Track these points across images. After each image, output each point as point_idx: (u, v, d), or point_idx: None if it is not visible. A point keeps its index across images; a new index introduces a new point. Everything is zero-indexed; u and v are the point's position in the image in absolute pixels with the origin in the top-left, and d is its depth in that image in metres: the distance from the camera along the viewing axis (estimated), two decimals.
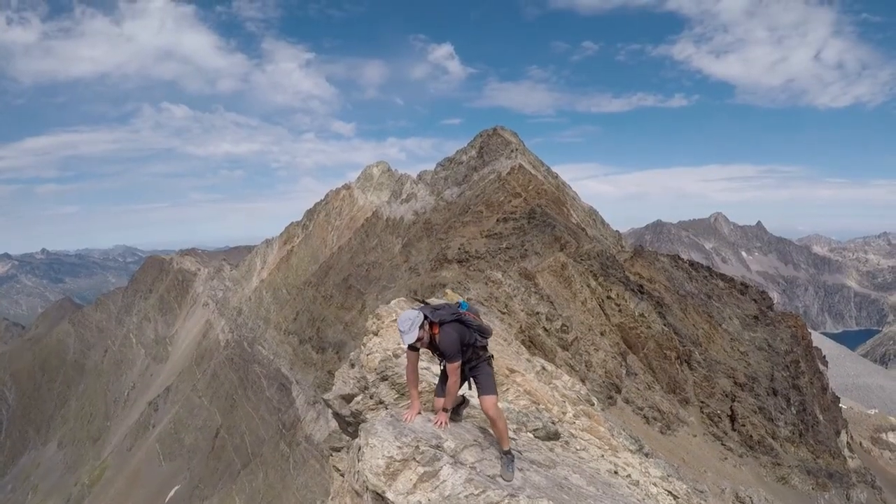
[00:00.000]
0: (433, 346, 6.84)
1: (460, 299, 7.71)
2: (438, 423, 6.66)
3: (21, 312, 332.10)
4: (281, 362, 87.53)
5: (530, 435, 8.25)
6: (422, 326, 6.56)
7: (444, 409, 6.78)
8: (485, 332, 7.01)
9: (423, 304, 7.09)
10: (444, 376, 6.98)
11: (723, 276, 63.27)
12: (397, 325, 6.71)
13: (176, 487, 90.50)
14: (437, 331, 6.67)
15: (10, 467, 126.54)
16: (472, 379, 7.02)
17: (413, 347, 6.83)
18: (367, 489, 6.03)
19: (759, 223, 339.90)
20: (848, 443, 55.28)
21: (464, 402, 7.52)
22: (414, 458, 5.94)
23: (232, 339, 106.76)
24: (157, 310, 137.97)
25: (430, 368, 9.23)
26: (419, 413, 7.02)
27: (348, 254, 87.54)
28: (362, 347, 10.24)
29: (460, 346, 6.67)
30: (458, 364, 6.68)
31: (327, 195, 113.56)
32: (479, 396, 6.94)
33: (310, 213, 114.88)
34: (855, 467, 50.55)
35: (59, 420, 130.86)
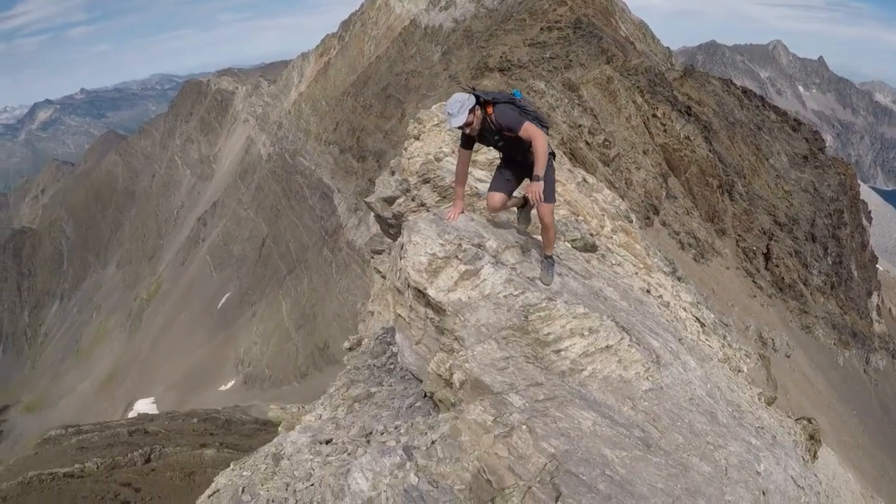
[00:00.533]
0: (485, 134, 6.19)
1: (514, 89, 6.68)
2: (533, 193, 5.71)
3: (69, 151, 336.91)
4: (322, 172, 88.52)
5: (568, 245, 8.26)
6: (472, 110, 5.91)
7: (536, 177, 5.73)
8: (544, 122, 6.20)
9: (473, 90, 6.16)
10: (504, 168, 6.52)
11: (776, 109, 60.23)
12: (445, 107, 6.05)
13: (227, 295, 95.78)
14: (490, 111, 6.00)
15: (75, 292, 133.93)
16: (528, 180, 6.21)
17: (463, 135, 6.26)
18: (408, 286, 6.12)
19: (820, 58, 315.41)
20: (878, 306, 54.45)
21: (526, 203, 6.86)
22: (456, 256, 5.98)
23: (273, 153, 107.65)
24: (199, 131, 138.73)
25: (471, 173, 9.09)
26: (462, 212, 6.76)
27: (386, 63, 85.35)
28: (403, 152, 10.17)
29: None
30: (538, 129, 5.88)
31: (362, 5, 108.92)
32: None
33: (345, 24, 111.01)
34: (880, 332, 50.12)
35: (115, 244, 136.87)
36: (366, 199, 10.73)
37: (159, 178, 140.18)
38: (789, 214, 45.81)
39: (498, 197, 6.40)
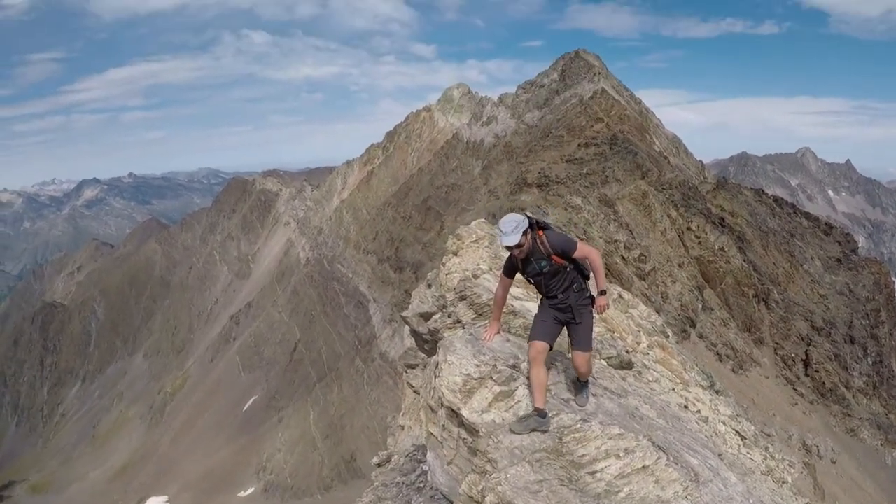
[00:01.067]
0: (531, 260, 6.09)
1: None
2: (601, 308, 6.17)
3: (111, 233, 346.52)
4: (359, 280, 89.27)
5: (604, 363, 8.30)
6: (525, 233, 5.89)
7: (602, 292, 6.13)
8: (584, 271, 6.24)
9: (526, 214, 6.19)
10: (547, 310, 6.22)
11: (807, 215, 60.70)
12: (499, 225, 6.00)
13: (254, 397, 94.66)
14: (542, 234, 6.02)
15: (98, 376, 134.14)
16: (567, 327, 6.24)
17: (508, 260, 6.25)
18: (442, 405, 6.19)
19: (848, 161, 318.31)
20: None
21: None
22: (491, 377, 6.06)
23: (312, 258, 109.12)
24: (241, 229, 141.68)
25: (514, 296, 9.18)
26: (498, 333, 6.72)
27: (428, 175, 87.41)
28: (441, 267, 10.35)
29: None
30: (590, 246, 6.10)
31: (407, 117, 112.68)
32: (571, 349, 6.35)
33: (390, 135, 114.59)
34: None
35: (145, 332, 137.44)
36: (402, 314, 10.89)
37: (196, 271, 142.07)
38: (826, 318, 45.22)
39: (541, 345, 6.01)
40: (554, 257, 6.01)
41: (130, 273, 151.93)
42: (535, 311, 6.45)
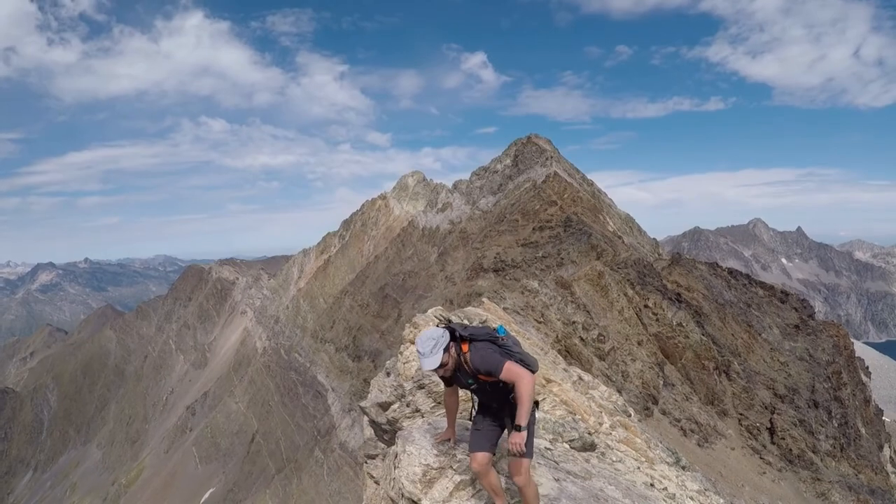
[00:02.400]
0: (458, 375, 5.59)
1: (497, 325, 5.98)
2: (514, 446, 5.12)
3: (65, 318, 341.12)
4: (317, 370, 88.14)
5: (566, 445, 8.22)
6: (447, 349, 5.34)
7: (517, 427, 5.11)
8: (530, 365, 5.42)
9: (448, 323, 5.69)
10: (482, 417, 5.72)
11: (762, 284, 62.03)
12: (416, 345, 5.46)
13: (211, 490, 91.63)
14: (466, 349, 5.38)
15: (51, 465, 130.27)
16: (507, 430, 5.58)
17: (442, 377, 5.62)
18: (402, 496, 6.05)
19: (798, 228, 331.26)
20: (891, 458, 53.49)
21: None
22: (451, 467, 5.97)
23: (269, 347, 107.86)
24: (197, 317, 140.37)
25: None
26: (452, 440, 6.28)
27: (384, 263, 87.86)
28: (399, 356, 10.29)
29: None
30: (523, 370, 5.19)
31: (363, 205, 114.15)
32: (508, 455, 5.50)
33: (346, 223, 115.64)
34: None
35: (98, 422, 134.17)
36: (360, 404, 10.71)
37: (152, 360, 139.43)
38: (788, 385, 45.70)
39: (482, 457, 5.45)
40: (480, 377, 5.39)
41: (84, 360, 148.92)
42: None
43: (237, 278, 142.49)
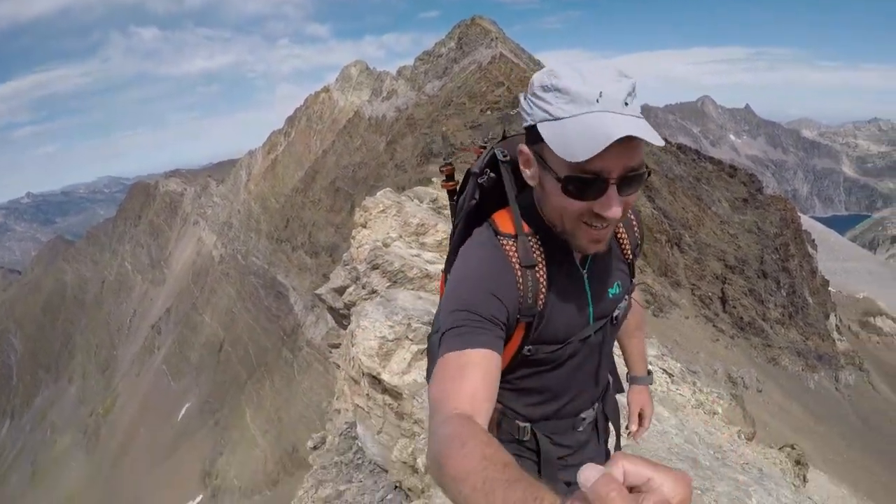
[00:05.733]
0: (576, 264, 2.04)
1: None
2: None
3: (16, 258, 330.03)
4: (276, 271, 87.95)
5: None
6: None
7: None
8: None
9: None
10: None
11: (711, 160, 62.67)
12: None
13: (187, 405, 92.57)
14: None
15: (26, 409, 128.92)
16: None
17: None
18: (362, 374, 6.02)
19: (747, 106, 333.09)
20: (837, 326, 55.46)
21: None
22: (406, 336, 5.90)
23: (226, 254, 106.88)
24: (149, 234, 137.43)
25: (420, 255, 9.01)
26: None
27: (333, 157, 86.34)
28: (352, 240, 10.16)
29: None
30: None
31: (307, 100, 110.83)
32: None
33: (291, 120, 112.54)
34: (843, 350, 51.03)
35: (66, 357, 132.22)
36: (316, 291, 10.63)
37: (109, 285, 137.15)
38: (738, 256, 46.88)
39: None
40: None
41: (42, 298, 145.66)
42: None
43: (185, 189, 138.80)
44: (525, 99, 1.79)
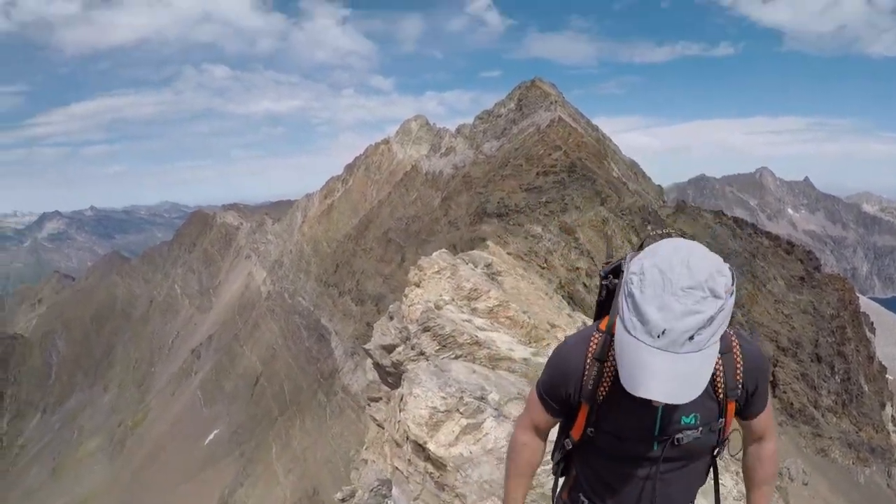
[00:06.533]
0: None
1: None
2: None
3: (72, 266, 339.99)
4: (321, 313, 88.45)
5: None
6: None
7: None
8: None
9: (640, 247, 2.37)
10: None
11: (768, 234, 61.32)
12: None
13: (215, 431, 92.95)
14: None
15: (58, 408, 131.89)
16: None
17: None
18: (407, 439, 5.98)
19: (806, 178, 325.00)
20: (893, 416, 53.35)
21: None
22: (457, 410, 5.86)
23: (273, 291, 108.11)
24: (202, 262, 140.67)
25: (470, 321, 8.98)
26: None
27: (388, 207, 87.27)
28: (404, 299, 10.18)
29: None
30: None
31: (366, 150, 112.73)
32: None
33: (349, 168, 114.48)
34: None
35: (105, 365, 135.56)
36: (364, 346, 10.65)
37: (157, 304, 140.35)
38: (791, 338, 45.58)
39: None
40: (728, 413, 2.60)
41: (92, 306, 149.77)
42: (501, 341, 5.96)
43: (241, 223, 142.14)
44: (633, 251, 2.13)
